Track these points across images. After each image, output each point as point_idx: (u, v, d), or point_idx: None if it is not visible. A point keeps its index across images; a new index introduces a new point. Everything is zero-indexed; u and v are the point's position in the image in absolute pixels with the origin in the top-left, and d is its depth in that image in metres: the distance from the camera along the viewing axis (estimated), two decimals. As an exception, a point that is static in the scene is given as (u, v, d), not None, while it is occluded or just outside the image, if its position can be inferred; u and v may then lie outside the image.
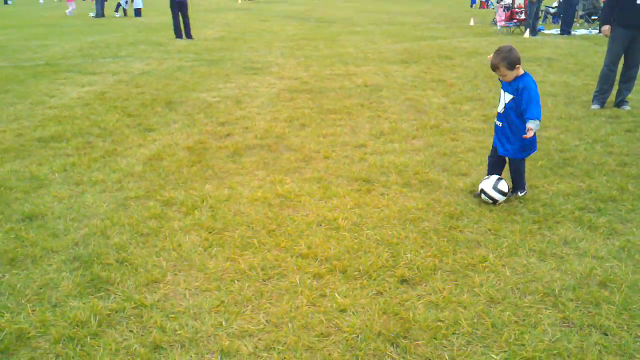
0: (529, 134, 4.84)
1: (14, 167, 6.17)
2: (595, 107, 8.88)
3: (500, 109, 5.19)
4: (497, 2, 25.84)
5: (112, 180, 5.83)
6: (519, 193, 5.31)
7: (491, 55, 5.07)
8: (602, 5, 21.09)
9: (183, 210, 5.09)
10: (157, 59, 13.98)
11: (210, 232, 4.66)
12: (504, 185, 5.11)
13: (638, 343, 3.26)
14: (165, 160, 6.41)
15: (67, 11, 29.91)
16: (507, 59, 4.97)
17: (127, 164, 6.30)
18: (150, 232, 4.66)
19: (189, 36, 18.19)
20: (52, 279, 3.98)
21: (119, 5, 29.41)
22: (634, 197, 5.32)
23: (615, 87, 9.02)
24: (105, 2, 28.50)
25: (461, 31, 21.68)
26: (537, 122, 4.88)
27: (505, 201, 5.16)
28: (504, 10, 21.50)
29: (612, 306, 3.61)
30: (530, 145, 5.19)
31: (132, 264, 4.16)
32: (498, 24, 21.57)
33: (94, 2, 29.02)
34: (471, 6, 39.19)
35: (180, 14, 18.02)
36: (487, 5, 37.68)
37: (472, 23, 24.60)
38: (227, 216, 4.96)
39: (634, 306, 3.61)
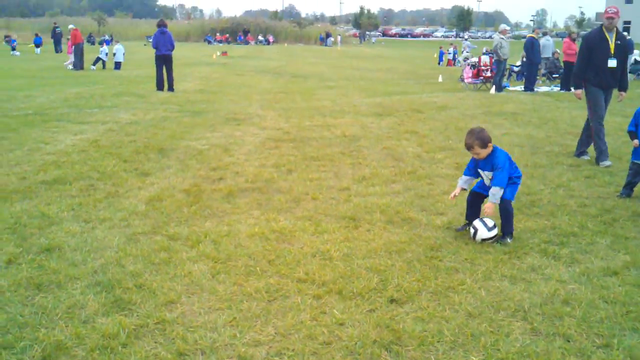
0: (489, 210, 5.62)
1: (24, 207, 6.61)
2: (608, 163, 9.18)
3: (487, 182, 5.91)
4: (464, 61, 27.11)
5: (119, 218, 6.31)
6: (508, 240, 5.73)
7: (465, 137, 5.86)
8: (562, 64, 22.35)
9: (188, 244, 5.59)
10: (142, 110, 14.55)
11: (215, 262, 5.17)
12: (489, 221, 5.73)
13: (595, 347, 3.85)
14: (165, 201, 6.92)
15: (65, 63, 29.90)
16: (480, 138, 5.71)
17: (130, 204, 6.79)
18: (162, 262, 5.15)
19: (170, 89, 18.82)
20: (79, 300, 4.44)
21: (98, 59, 29.97)
22: (592, 233, 5.98)
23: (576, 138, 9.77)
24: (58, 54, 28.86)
25: (430, 87, 22.73)
26: (498, 189, 5.63)
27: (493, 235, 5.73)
28: (470, 68, 22.62)
29: (573, 319, 4.20)
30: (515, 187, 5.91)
31: (149, 288, 4.64)
32: (465, 80, 22.64)
33: (71, 54, 29.49)
34: (439, 64, 40.67)
35: (164, 67, 18.69)
36: (454, 63, 39.16)
37: (440, 80, 25.74)
38: (229, 248, 5.48)
39: (592, 319, 4.20)
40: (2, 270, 4.94)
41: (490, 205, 5.66)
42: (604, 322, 4.17)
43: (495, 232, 5.67)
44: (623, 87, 9.54)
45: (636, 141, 7.50)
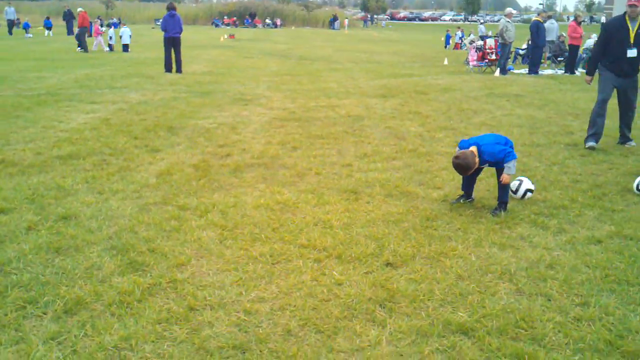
0: (506, 180, 6.00)
1: (41, 180, 6.94)
2: (593, 144, 9.13)
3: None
4: (470, 43, 27.22)
5: (131, 190, 6.64)
6: (500, 212, 6.00)
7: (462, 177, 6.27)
8: (567, 47, 22.47)
9: (197, 214, 5.92)
10: (151, 90, 14.86)
11: (223, 229, 5.50)
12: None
13: (573, 305, 4.16)
14: (175, 175, 7.24)
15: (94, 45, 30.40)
16: (467, 166, 5.89)
17: (141, 177, 7.12)
18: (172, 230, 5.48)
19: (179, 71, 19.08)
20: (96, 262, 4.77)
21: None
22: (582, 206, 6.28)
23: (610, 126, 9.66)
24: (87, 38, 29.27)
25: (435, 70, 22.90)
26: (512, 162, 5.94)
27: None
28: (476, 51, 22.78)
29: (555, 281, 4.52)
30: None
31: (161, 252, 4.97)
32: (470, 63, 22.81)
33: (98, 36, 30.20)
34: (445, 47, 40.73)
35: (172, 49, 18.94)
36: (461, 47, 39.21)
37: (445, 62, 25.89)
38: (235, 218, 5.81)
39: (573, 281, 4.51)
40: (23, 236, 5.28)
41: (506, 176, 5.92)
42: (584, 284, 4.48)
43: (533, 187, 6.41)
44: None
45: None
